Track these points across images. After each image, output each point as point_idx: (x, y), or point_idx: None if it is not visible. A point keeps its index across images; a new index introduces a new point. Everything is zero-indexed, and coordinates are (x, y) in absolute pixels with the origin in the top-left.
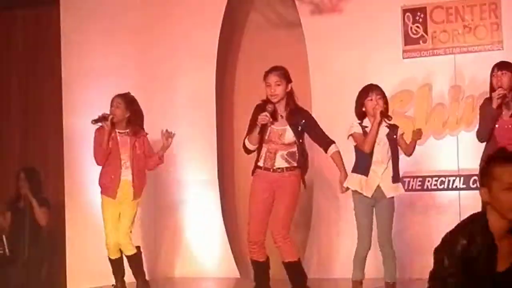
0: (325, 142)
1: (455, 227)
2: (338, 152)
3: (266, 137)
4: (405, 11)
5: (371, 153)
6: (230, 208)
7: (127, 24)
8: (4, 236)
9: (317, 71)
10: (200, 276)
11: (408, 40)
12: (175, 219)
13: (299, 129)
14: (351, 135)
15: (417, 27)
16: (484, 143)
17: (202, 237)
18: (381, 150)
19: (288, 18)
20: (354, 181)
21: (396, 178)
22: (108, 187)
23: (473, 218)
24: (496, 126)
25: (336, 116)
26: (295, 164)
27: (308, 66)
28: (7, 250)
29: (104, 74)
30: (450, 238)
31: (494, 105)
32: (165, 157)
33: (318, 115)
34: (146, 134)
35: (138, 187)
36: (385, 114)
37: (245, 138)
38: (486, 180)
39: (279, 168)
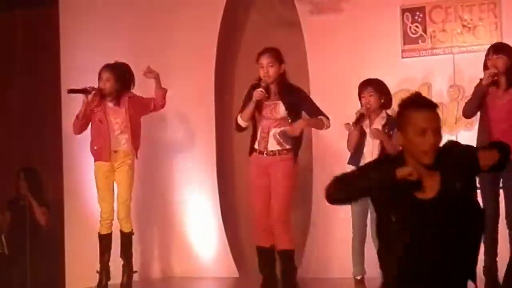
0: (314, 113)
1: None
2: (325, 123)
3: (259, 115)
4: (404, 10)
5: (362, 145)
6: (229, 207)
7: (126, 24)
8: (3, 236)
9: (316, 71)
10: (199, 275)
11: (407, 39)
12: (173, 217)
13: (292, 106)
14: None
15: (416, 26)
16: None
17: (200, 236)
18: (374, 142)
19: (287, 17)
20: None
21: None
22: (100, 152)
23: (392, 155)
24: (488, 102)
25: (335, 116)
26: (287, 146)
27: (307, 66)
28: (6, 250)
29: None
30: (376, 161)
31: (484, 82)
32: (163, 157)
33: None
34: (131, 94)
35: (136, 141)
36: (361, 117)
37: (238, 115)
38: (401, 125)
39: (271, 151)
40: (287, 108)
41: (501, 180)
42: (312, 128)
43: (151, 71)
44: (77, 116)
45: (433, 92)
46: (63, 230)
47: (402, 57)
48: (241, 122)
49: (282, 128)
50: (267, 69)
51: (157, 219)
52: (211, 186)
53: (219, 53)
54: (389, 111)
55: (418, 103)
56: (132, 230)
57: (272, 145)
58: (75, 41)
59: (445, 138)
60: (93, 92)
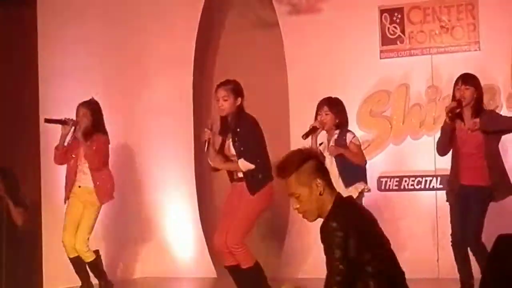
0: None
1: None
2: (240, 167)
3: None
4: (382, 11)
5: None
6: (207, 207)
7: (104, 24)
8: None
9: (294, 71)
10: (177, 275)
11: (385, 40)
12: (151, 218)
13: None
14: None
15: (394, 27)
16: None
17: (178, 236)
18: (329, 161)
19: (266, 18)
20: None
21: (348, 182)
22: (66, 191)
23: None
24: (458, 136)
25: (313, 116)
26: (250, 177)
27: (286, 66)
28: None
29: (81, 75)
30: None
31: (447, 119)
32: (141, 158)
33: (295, 115)
34: (102, 136)
35: (101, 192)
36: (313, 130)
37: (210, 160)
38: None
39: (239, 178)
40: (233, 145)
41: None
42: (290, 130)
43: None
44: (56, 147)
45: (411, 92)
46: (40, 231)
47: (380, 58)
48: (215, 164)
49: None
50: (222, 102)
51: (134, 220)
52: (189, 186)
53: (197, 55)
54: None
55: (275, 173)
56: (96, 256)
57: (240, 173)
58: (53, 40)
59: (423, 139)
60: (71, 124)
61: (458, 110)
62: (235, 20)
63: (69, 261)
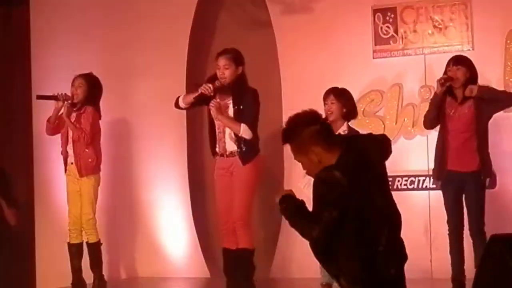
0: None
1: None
2: (240, 130)
3: (213, 114)
4: (375, 11)
5: None
6: (200, 207)
7: (97, 23)
8: None
9: (287, 71)
10: (170, 275)
11: (378, 40)
12: (143, 217)
13: (239, 108)
14: None
15: (388, 27)
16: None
17: (171, 236)
18: None
19: (259, 17)
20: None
21: None
22: (64, 164)
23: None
24: (447, 113)
25: None
26: (244, 148)
27: (279, 66)
28: None
29: (74, 73)
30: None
31: (437, 90)
32: (133, 156)
33: (288, 114)
34: (92, 108)
35: (80, 165)
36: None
37: (181, 95)
38: None
39: (231, 153)
40: (234, 110)
41: (465, 193)
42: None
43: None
44: (48, 120)
45: (404, 92)
46: (33, 231)
47: (373, 58)
48: (181, 103)
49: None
50: (223, 71)
51: (127, 219)
52: (181, 186)
53: (191, 54)
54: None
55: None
56: (99, 240)
57: (230, 146)
58: (46, 40)
59: (416, 139)
60: (64, 99)
61: (448, 83)
62: (228, 20)
63: (66, 261)
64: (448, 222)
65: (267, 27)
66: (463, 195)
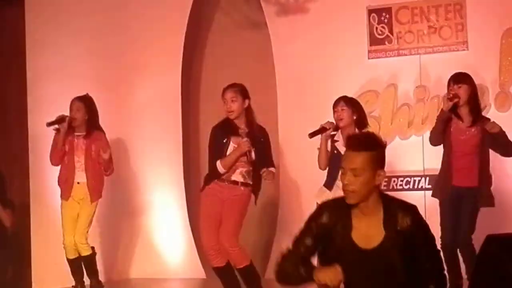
0: (267, 162)
1: (330, 199)
2: (271, 172)
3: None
4: (370, 11)
5: (336, 167)
6: (196, 208)
7: (92, 24)
8: None
9: (283, 72)
10: (166, 276)
11: (373, 40)
12: (140, 219)
13: (257, 147)
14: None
15: (383, 27)
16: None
17: (167, 237)
18: None
19: (254, 18)
20: (322, 196)
21: None
22: (63, 189)
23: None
24: (453, 135)
25: (302, 117)
26: (250, 182)
27: (274, 67)
28: None
29: (69, 74)
30: (317, 209)
31: (445, 107)
32: (129, 158)
33: (284, 116)
34: (103, 134)
35: (94, 189)
36: (321, 130)
37: (210, 161)
38: None
39: (234, 181)
40: (257, 156)
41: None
42: (278, 130)
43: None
44: (55, 145)
45: (399, 92)
46: (29, 232)
47: (369, 58)
48: (221, 169)
49: (247, 168)
50: (230, 104)
51: (123, 221)
52: (177, 187)
53: (186, 55)
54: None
55: (348, 141)
56: (92, 251)
57: (236, 177)
58: (41, 41)
59: (412, 139)
60: (67, 119)
61: (457, 100)
62: (223, 21)
63: (61, 262)
64: (441, 237)
65: (262, 27)
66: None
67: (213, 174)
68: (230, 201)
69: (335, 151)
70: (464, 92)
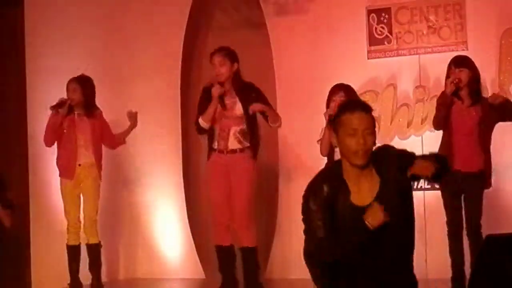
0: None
1: (317, 174)
2: (279, 119)
3: (218, 115)
4: (369, 11)
5: (332, 157)
6: (195, 208)
7: (91, 24)
8: None
9: (282, 72)
10: (165, 276)
11: (372, 40)
12: (139, 218)
13: (249, 104)
14: (319, 140)
15: (382, 27)
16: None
17: (166, 237)
18: None
19: (253, 18)
20: None
21: None
22: (65, 169)
23: (331, 165)
24: (453, 115)
25: (301, 117)
26: (247, 144)
27: (274, 67)
28: None
29: (69, 75)
30: (313, 184)
31: (447, 90)
32: (129, 158)
33: (283, 115)
34: (101, 111)
35: (101, 168)
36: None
37: (197, 118)
38: (335, 127)
39: (232, 150)
40: (244, 106)
41: (465, 194)
42: (278, 130)
43: (133, 116)
44: (52, 127)
45: (399, 93)
46: (29, 232)
47: (368, 58)
48: (203, 123)
49: (241, 127)
50: (218, 68)
51: (122, 221)
52: (177, 187)
53: (185, 54)
54: None
55: (350, 105)
56: (100, 242)
57: (233, 144)
58: (40, 41)
59: (411, 139)
60: (68, 103)
61: (459, 85)
62: (222, 20)
63: (61, 262)
64: (447, 223)
65: (261, 28)
66: (462, 196)
67: (209, 143)
68: (238, 177)
69: None
70: (465, 76)
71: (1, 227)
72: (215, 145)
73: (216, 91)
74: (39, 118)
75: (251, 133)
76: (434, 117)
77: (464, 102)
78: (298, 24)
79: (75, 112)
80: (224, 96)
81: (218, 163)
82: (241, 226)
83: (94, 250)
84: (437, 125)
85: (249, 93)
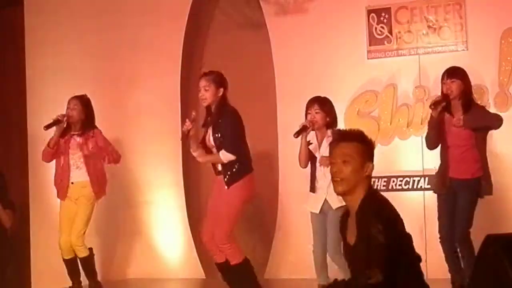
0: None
1: (385, 199)
2: (221, 159)
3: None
4: (369, 11)
5: (314, 169)
6: (195, 208)
7: (91, 24)
8: None
9: (282, 72)
10: (165, 276)
11: (372, 40)
12: (139, 218)
13: (218, 134)
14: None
15: (382, 27)
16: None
17: (167, 237)
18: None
19: (253, 18)
20: (308, 201)
21: None
22: (58, 189)
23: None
24: (445, 129)
25: (300, 116)
26: (219, 169)
27: (273, 67)
28: None
29: (69, 75)
30: (393, 208)
31: (433, 114)
32: (130, 158)
33: (282, 115)
34: (99, 130)
35: (97, 187)
36: (303, 129)
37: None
38: None
39: (219, 172)
40: (213, 138)
41: (458, 199)
42: (278, 129)
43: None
44: (48, 144)
45: (399, 93)
46: (29, 232)
47: (368, 58)
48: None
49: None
50: (203, 92)
51: (122, 221)
52: (177, 187)
53: (185, 55)
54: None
55: (334, 138)
56: (89, 253)
57: (218, 166)
58: (40, 41)
59: (411, 139)
60: (65, 119)
61: (443, 104)
62: (222, 21)
63: (61, 262)
64: (439, 232)
65: (261, 28)
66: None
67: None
68: (218, 196)
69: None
70: (457, 87)
71: (1, 227)
72: (215, 168)
73: (183, 127)
74: (39, 118)
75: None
76: (425, 138)
77: (455, 115)
78: (298, 24)
79: (71, 133)
80: (200, 128)
81: (214, 185)
82: (222, 249)
83: (86, 262)
84: (428, 145)
85: (221, 123)
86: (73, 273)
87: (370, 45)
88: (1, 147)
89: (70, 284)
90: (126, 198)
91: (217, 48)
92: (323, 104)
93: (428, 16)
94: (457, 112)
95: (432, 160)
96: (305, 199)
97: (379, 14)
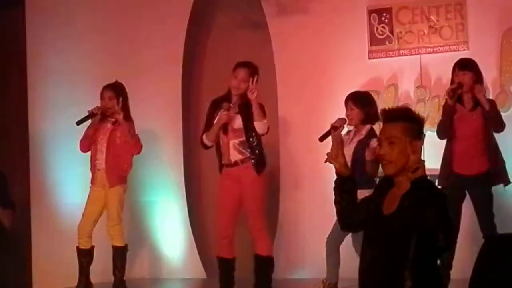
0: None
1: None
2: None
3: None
4: (370, 11)
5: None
6: (196, 208)
7: (93, 24)
8: None
9: (283, 72)
10: (166, 276)
11: (373, 40)
12: (140, 219)
13: (248, 118)
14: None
15: (383, 27)
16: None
17: (168, 237)
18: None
19: (254, 18)
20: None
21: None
22: (92, 174)
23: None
24: (455, 119)
25: (302, 116)
26: (248, 155)
27: (274, 66)
28: None
29: (69, 75)
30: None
31: (449, 101)
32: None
33: (284, 115)
34: (131, 120)
35: (112, 175)
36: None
37: (202, 134)
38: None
39: (235, 162)
40: (243, 120)
41: (472, 197)
42: (279, 129)
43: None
44: (85, 134)
45: (400, 93)
46: (30, 232)
47: (369, 58)
48: (207, 142)
49: (240, 139)
50: (239, 83)
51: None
52: (178, 187)
53: (186, 55)
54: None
55: (383, 116)
56: (126, 245)
57: (234, 156)
58: (42, 42)
59: None
60: (99, 112)
61: (459, 91)
62: (223, 21)
63: (61, 262)
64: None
65: (262, 28)
66: (463, 201)
67: (218, 158)
68: (243, 183)
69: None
70: (469, 79)
71: (1, 227)
72: (224, 160)
73: (224, 118)
74: (40, 118)
75: (251, 146)
76: (438, 126)
77: (466, 106)
78: (299, 24)
79: (108, 120)
80: (228, 123)
81: (227, 176)
82: (257, 237)
83: (118, 252)
84: (441, 135)
85: (248, 108)
86: (83, 266)
87: (371, 45)
88: (2, 146)
89: (71, 284)
90: (127, 199)
91: (218, 48)
92: (357, 100)
93: (429, 16)
94: (469, 103)
95: (433, 160)
96: (308, 195)
97: (380, 14)
